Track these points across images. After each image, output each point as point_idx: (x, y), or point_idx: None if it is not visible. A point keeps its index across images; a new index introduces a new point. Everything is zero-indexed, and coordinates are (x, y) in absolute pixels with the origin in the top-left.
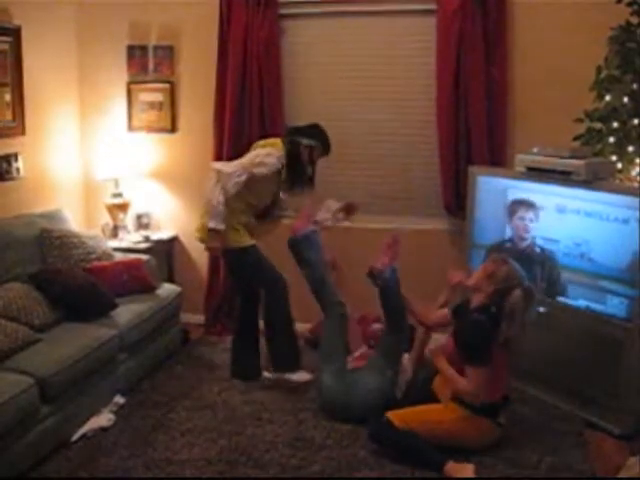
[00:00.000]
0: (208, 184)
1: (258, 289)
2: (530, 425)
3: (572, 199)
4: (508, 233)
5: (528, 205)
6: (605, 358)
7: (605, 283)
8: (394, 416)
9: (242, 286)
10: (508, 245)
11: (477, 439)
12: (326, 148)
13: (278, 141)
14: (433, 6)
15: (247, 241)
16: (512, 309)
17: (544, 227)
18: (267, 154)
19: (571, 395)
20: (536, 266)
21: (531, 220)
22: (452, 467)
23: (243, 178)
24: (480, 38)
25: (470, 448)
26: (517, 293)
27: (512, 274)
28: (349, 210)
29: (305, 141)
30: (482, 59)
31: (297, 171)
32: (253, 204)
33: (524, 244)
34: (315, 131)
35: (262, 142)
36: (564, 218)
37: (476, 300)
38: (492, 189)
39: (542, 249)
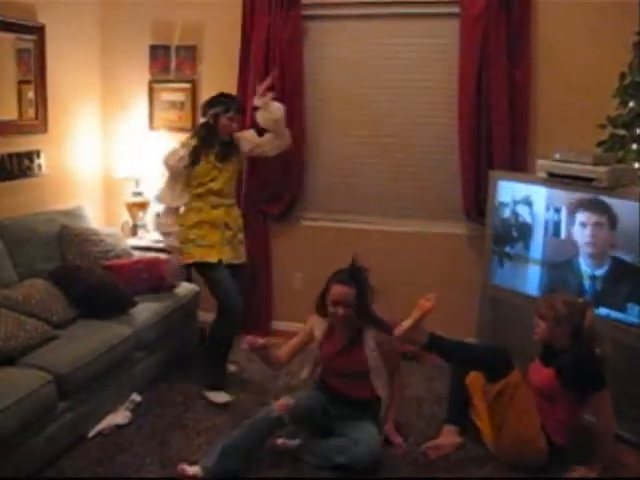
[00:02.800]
0: None
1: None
2: None
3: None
4: (529, 238)
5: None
6: (625, 367)
7: (628, 278)
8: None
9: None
10: None
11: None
12: (228, 106)
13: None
14: (457, 9)
15: None
16: (592, 329)
17: None
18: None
19: None
20: None
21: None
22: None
23: None
24: (503, 42)
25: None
26: (589, 314)
27: (570, 303)
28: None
29: (210, 111)
30: (505, 63)
31: (211, 140)
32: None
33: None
34: (215, 99)
35: None
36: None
37: (562, 344)
38: (514, 194)
39: None
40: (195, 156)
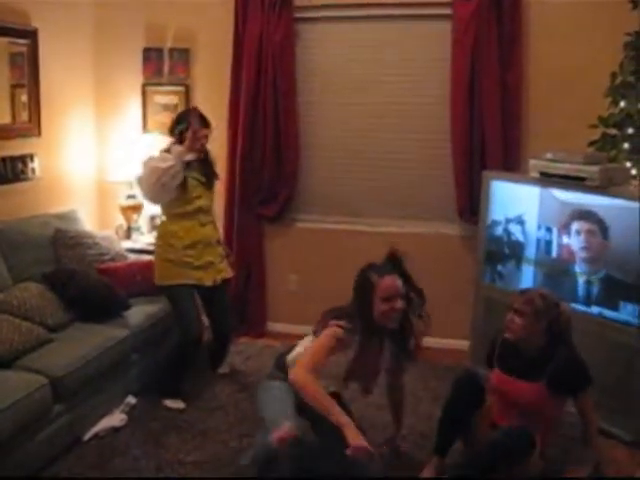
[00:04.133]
0: None
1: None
2: None
3: (586, 204)
4: (521, 238)
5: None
6: (617, 364)
7: (619, 289)
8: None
9: None
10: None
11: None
12: (191, 121)
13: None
14: (448, 11)
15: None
16: (569, 321)
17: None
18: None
19: None
20: None
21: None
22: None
23: None
24: (495, 43)
25: None
26: (564, 307)
27: (545, 296)
28: None
29: (176, 130)
30: (497, 64)
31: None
32: None
33: None
34: (177, 118)
35: None
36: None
37: (535, 343)
38: (506, 194)
39: None
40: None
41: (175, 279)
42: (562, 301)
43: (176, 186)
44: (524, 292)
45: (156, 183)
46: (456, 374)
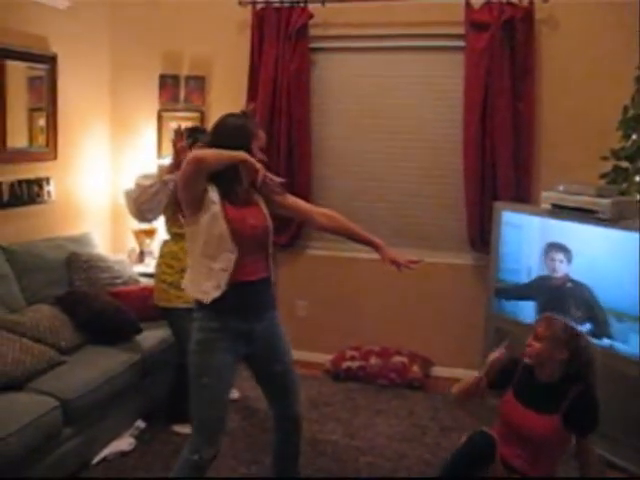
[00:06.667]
0: None
1: None
2: None
3: (597, 237)
4: (533, 269)
5: (559, 248)
6: (625, 397)
7: (629, 322)
8: None
9: None
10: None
11: None
12: (194, 138)
13: None
14: (462, 43)
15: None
16: (590, 363)
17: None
18: None
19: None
20: (570, 300)
21: (561, 261)
22: None
23: None
24: (508, 76)
25: None
26: (587, 344)
27: (569, 328)
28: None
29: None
30: (509, 96)
31: None
32: None
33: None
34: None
35: None
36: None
37: (550, 372)
38: (518, 225)
39: (575, 283)
40: None
41: (172, 302)
42: (586, 336)
43: (162, 205)
44: (548, 317)
45: (136, 200)
46: (470, 433)
